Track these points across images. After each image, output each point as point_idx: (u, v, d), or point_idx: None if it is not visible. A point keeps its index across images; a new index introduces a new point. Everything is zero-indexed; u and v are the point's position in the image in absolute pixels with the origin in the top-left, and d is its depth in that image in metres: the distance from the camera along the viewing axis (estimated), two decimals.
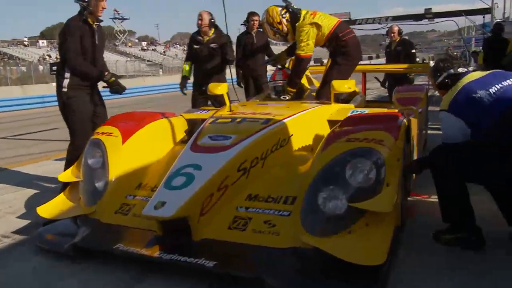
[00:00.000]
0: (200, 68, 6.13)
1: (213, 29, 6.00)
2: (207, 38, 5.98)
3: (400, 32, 8.56)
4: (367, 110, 3.91)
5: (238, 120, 3.53)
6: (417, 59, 9.96)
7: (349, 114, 3.88)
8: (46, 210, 3.36)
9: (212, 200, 2.79)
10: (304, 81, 5.26)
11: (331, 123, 3.86)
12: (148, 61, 57.66)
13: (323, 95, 4.53)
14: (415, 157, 3.88)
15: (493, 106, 2.76)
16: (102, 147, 3.48)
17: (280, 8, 4.64)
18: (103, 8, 4.36)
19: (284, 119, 3.51)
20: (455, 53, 24.54)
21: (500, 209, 2.94)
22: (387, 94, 8.82)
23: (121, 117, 3.94)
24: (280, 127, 3.41)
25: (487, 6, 15.75)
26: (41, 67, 40.87)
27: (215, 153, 3.04)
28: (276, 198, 2.87)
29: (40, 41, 62.35)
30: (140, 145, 3.58)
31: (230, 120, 3.57)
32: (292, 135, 3.46)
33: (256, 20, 7.34)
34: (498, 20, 14.45)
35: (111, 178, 3.31)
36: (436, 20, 15.95)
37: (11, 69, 39.84)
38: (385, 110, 4.00)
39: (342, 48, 4.64)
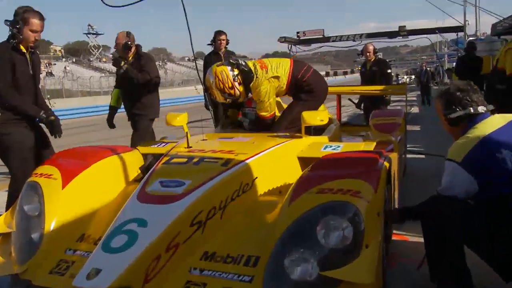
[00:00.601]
0: (126, 95, 5.61)
1: (133, 50, 5.44)
2: (128, 60, 5.40)
3: (375, 51, 8.29)
4: (341, 146, 3.51)
5: (195, 160, 3.08)
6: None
7: (321, 149, 3.50)
8: None
9: (159, 263, 2.33)
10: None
11: (302, 160, 3.46)
12: None
13: (281, 128, 4.14)
14: (396, 195, 3.51)
15: None
16: (39, 192, 3.00)
17: (229, 68, 4.10)
18: (36, 39, 3.95)
19: (248, 158, 3.08)
20: (428, 68, 24.66)
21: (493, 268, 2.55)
22: (362, 112, 8.60)
23: (64, 154, 3.46)
24: (242, 169, 2.97)
25: (460, 24, 15.79)
26: None
27: (164, 204, 2.58)
28: (236, 257, 2.43)
29: None
30: (85, 189, 3.11)
31: (186, 160, 3.11)
32: (256, 177, 3.03)
33: (223, 40, 7.00)
34: (471, 39, 14.41)
35: (48, 230, 2.82)
36: (410, 37, 15.86)
37: None
38: (361, 145, 3.60)
39: (305, 87, 4.26)
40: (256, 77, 4.11)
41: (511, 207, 2.37)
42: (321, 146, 3.55)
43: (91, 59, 69.81)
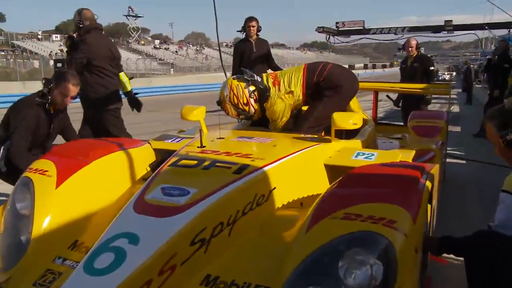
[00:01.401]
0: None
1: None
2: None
3: (418, 47, 7.69)
4: (375, 154, 3.06)
5: (206, 163, 2.68)
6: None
7: (352, 157, 3.07)
8: None
9: None
10: None
11: (329, 168, 3.04)
12: (160, 59, 57.21)
13: (304, 128, 3.74)
14: (434, 216, 3.04)
15: None
16: (31, 189, 2.69)
17: (245, 84, 3.74)
18: (64, 103, 3.84)
19: (266, 165, 2.66)
20: (472, 65, 23.60)
21: None
22: (399, 109, 8.09)
23: (64, 148, 3.16)
24: (258, 178, 2.56)
25: None
26: (52, 62, 40.51)
27: (162, 217, 2.20)
28: (242, 286, 2.04)
29: (54, 35, 62.13)
30: (82, 188, 2.78)
31: (196, 162, 2.72)
32: (275, 188, 2.61)
33: (254, 26, 6.57)
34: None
35: (36, 234, 2.50)
36: (456, 32, 15.01)
37: (23, 62, 39.59)
38: (398, 154, 3.12)
39: (325, 85, 3.81)
40: (269, 95, 3.78)
41: None
42: (352, 153, 3.10)
43: (129, 41, 70.32)
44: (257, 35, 6.76)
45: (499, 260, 1.97)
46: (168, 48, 69.70)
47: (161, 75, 45.18)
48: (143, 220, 2.20)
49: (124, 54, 55.27)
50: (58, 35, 62.27)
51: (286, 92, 3.79)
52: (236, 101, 3.76)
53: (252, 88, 3.74)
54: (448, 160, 6.22)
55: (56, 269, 2.38)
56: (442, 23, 13.94)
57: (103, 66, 4.84)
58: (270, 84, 3.81)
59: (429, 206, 2.40)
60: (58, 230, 2.56)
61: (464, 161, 7.30)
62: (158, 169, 2.76)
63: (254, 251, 2.27)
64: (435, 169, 2.56)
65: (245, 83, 3.75)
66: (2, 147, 3.67)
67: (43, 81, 3.81)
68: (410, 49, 7.55)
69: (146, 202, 2.34)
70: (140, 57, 54.32)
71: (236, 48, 6.88)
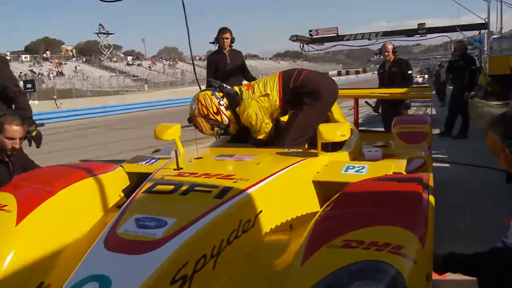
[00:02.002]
0: None
1: None
2: None
3: (394, 51, 7.67)
4: (366, 167, 2.85)
5: (184, 188, 2.42)
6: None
7: (342, 171, 2.85)
8: None
9: None
10: None
11: (318, 184, 2.82)
12: (134, 76, 56.70)
13: (286, 142, 3.53)
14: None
15: None
16: None
17: (211, 92, 3.56)
18: (14, 147, 3.46)
19: (250, 186, 2.42)
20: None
21: None
22: (376, 114, 8.04)
23: (26, 177, 2.85)
24: (242, 201, 2.31)
25: (483, 22, 14.97)
26: (21, 83, 39.73)
27: (137, 254, 1.93)
28: None
29: (23, 56, 61.12)
30: (46, 224, 2.48)
31: (172, 187, 2.46)
32: (261, 211, 2.37)
33: (227, 38, 6.39)
34: (495, 37, 13.68)
35: None
36: (429, 35, 15.13)
37: None
38: (391, 166, 2.91)
39: (303, 91, 3.61)
40: (242, 99, 3.56)
41: None
42: (341, 167, 2.88)
43: (102, 58, 69.58)
44: (231, 46, 6.57)
45: None
46: (141, 64, 69.13)
47: (135, 91, 44.71)
48: (116, 258, 1.93)
49: (97, 72, 54.99)
50: (28, 55, 61.28)
51: (261, 95, 3.59)
52: (205, 111, 3.53)
53: (219, 94, 3.55)
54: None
55: None
56: (414, 27, 14.07)
57: None
58: (244, 90, 3.62)
59: None
60: (21, 272, 2.27)
61: (448, 164, 7.19)
62: (131, 197, 2.49)
63: (242, 284, 2.03)
64: (431, 180, 2.37)
65: (211, 91, 3.55)
66: None
67: None
68: (386, 53, 7.57)
69: (118, 237, 2.07)
70: (113, 74, 53.65)
71: (210, 61, 6.69)
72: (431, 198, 2.02)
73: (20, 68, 52.15)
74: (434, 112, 17.81)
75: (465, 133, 9.75)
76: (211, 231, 2.11)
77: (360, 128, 6.08)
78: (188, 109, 3.66)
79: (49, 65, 56.70)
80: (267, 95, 3.58)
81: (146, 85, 50.52)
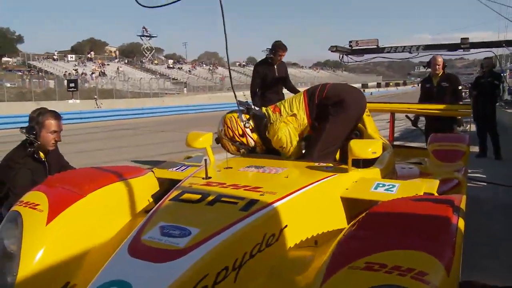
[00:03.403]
0: None
1: None
2: None
3: (444, 65, 7.29)
4: (397, 186, 2.79)
5: (210, 198, 2.44)
6: None
7: (371, 189, 2.80)
8: None
9: None
10: None
11: (346, 201, 2.77)
12: (173, 79, 57.60)
13: (314, 154, 3.48)
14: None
15: None
16: (20, 226, 2.46)
17: (237, 114, 3.57)
18: (55, 141, 3.63)
19: (277, 200, 2.40)
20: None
21: None
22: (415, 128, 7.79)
23: (59, 178, 2.92)
24: (268, 215, 2.30)
25: None
26: (66, 82, 40.95)
27: (160, 262, 1.95)
28: None
29: (69, 55, 63.00)
30: (75, 225, 2.54)
31: (199, 196, 2.47)
32: (286, 226, 2.35)
33: (282, 56, 6.66)
34: None
35: (23, 275, 2.27)
36: (472, 50, 14.74)
37: (38, 82, 40.07)
38: (422, 186, 2.84)
39: (329, 102, 3.58)
40: (271, 123, 3.55)
41: None
42: (371, 185, 2.83)
43: (143, 61, 71.00)
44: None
45: None
46: (182, 68, 70.20)
47: (174, 94, 45.41)
48: (138, 265, 1.95)
49: (138, 73, 56.16)
50: (73, 55, 63.11)
51: (289, 115, 3.57)
52: (231, 134, 3.55)
53: (245, 117, 3.55)
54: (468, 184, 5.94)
55: None
56: (456, 41, 13.73)
57: None
58: (270, 113, 3.61)
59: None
60: (48, 271, 2.33)
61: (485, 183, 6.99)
62: (158, 204, 2.52)
63: None
64: (463, 202, 2.29)
65: (237, 114, 3.56)
66: (2, 208, 3.45)
67: (23, 131, 3.57)
68: (437, 67, 7.18)
69: (142, 244, 2.09)
70: (154, 76, 54.66)
71: (258, 71, 6.82)
72: (461, 222, 1.96)
73: (65, 67, 53.92)
74: (473, 128, 17.41)
75: (498, 154, 9.45)
76: (235, 243, 2.10)
77: (395, 143, 5.97)
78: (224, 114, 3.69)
79: (93, 65, 58.24)
80: (294, 115, 3.56)
81: (185, 88, 51.24)
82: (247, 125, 3.52)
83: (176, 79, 57.88)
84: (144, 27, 77.65)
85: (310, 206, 2.57)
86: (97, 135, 16.09)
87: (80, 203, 2.63)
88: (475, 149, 10.05)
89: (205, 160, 2.94)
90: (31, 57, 58.30)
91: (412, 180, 3.24)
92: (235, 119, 3.54)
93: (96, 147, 12.59)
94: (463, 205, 2.24)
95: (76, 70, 52.04)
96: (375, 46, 14.50)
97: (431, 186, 2.89)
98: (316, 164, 3.19)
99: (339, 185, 2.84)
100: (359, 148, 2.91)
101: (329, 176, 2.85)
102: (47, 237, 2.42)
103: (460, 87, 7.28)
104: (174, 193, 2.59)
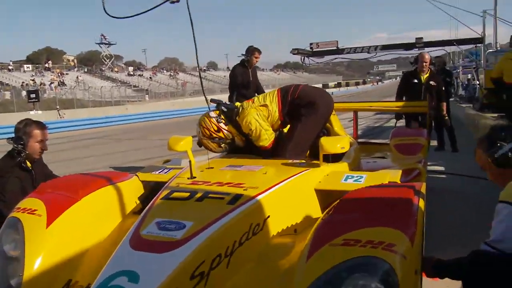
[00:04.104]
0: None
1: None
2: None
3: (431, 62, 7.43)
4: (364, 176, 3.10)
5: (199, 195, 2.68)
6: None
7: (342, 180, 3.10)
8: None
9: None
10: None
11: (320, 193, 3.06)
12: (135, 86, 57.06)
13: (286, 154, 3.76)
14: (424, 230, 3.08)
15: None
16: (21, 231, 2.64)
17: (211, 113, 3.88)
18: (42, 150, 3.80)
19: (259, 194, 2.67)
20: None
21: None
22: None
23: (51, 185, 3.10)
24: (252, 207, 2.56)
25: (478, 36, 15.29)
26: (24, 93, 40.01)
27: (161, 252, 2.18)
28: None
29: (25, 65, 61.45)
30: (73, 227, 2.73)
31: (188, 194, 2.72)
32: (268, 216, 2.62)
33: (257, 58, 7.15)
34: (490, 50, 13.98)
35: (28, 275, 2.45)
36: (426, 48, 15.42)
37: None
38: (387, 176, 3.17)
39: (301, 103, 3.90)
40: (242, 108, 3.86)
41: None
42: (341, 177, 3.14)
43: (103, 69, 70.02)
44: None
45: (502, 281, 1.99)
46: (142, 75, 69.59)
47: (136, 102, 45.06)
48: (141, 256, 2.18)
49: (98, 82, 55.37)
50: (30, 65, 61.60)
51: (260, 104, 3.87)
52: (208, 132, 3.85)
53: (215, 113, 3.86)
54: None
55: None
56: (413, 40, 14.38)
57: None
58: (244, 103, 3.93)
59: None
60: (51, 271, 2.52)
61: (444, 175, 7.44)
62: (151, 202, 2.74)
63: (253, 281, 2.27)
64: (423, 187, 2.61)
65: (207, 113, 3.86)
66: None
67: (11, 141, 3.70)
68: (424, 64, 7.18)
69: (142, 238, 2.32)
70: (115, 84, 54.05)
71: (237, 73, 7.25)
72: (422, 203, 2.27)
73: (22, 77, 52.55)
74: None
75: (454, 147, 9.92)
76: (225, 233, 2.35)
77: (359, 140, 6.34)
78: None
79: (51, 75, 57.05)
80: (265, 105, 3.87)
81: (147, 95, 50.91)
82: (219, 120, 3.81)
83: (137, 86, 57.37)
84: (102, 35, 76.59)
85: (288, 198, 2.85)
86: (64, 145, 15.93)
87: (76, 206, 2.82)
88: (434, 143, 10.60)
89: (189, 161, 3.18)
90: None
91: (378, 171, 3.57)
92: (208, 118, 3.84)
93: (66, 157, 12.52)
94: (423, 190, 2.56)
95: (33, 80, 50.92)
96: (335, 48, 15.04)
97: (394, 175, 3.21)
98: (290, 161, 3.48)
99: (313, 178, 3.14)
100: (329, 144, 3.22)
101: (303, 171, 3.15)
102: (48, 240, 2.61)
103: (448, 86, 7.54)
104: (164, 193, 2.82)
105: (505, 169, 2.26)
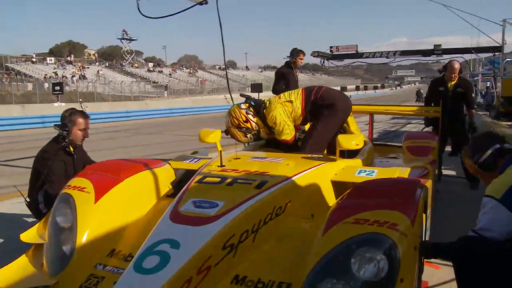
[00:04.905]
0: None
1: None
2: None
3: (461, 70, 7.21)
4: (376, 171, 3.45)
5: (229, 180, 3.07)
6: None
7: (355, 174, 3.45)
8: (2, 277, 2.89)
9: (190, 286, 2.30)
10: None
11: (335, 184, 3.42)
12: (154, 82, 57.66)
13: (306, 149, 4.15)
14: (428, 224, 3.43)
15: None
16: (72, 204, 3.04)
17: (237, 105, 4.30)
18: (84, 137, 4.26)
19: (282, 181, 3.05)
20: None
21: None
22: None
23: (97, 167, 3.52)
24: (276, 192, 2.95)
25: (497, 44, 15.46)
26: (46, 85, 40.86)
27: (197, 225, 2.57)
28: (267, 283, 2.39)
29: (48, 58, 62.45)
30: (116, 204, 3.14)
31: (219, 179, 3.11)
32: (290, 201, 2.99)
33: (302, 60, 7.55)
34: (509, 59, 14.14)
35: (79, 243, 2.85)
36: (445, 56, 15.64)
37: (17, 85, 39.91)
38: (396, 171, 3.52)
39: (322, 103, 4.29)
40: (269, 103, 4.23)
41: None
42: (355, 171, 3.49)
43: (123, 64, 70.89)
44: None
45: (479, 264, 2.34)
46: (162, 71, 70.36)
47: (155, 97, 45.66)
48: (181, 228, 2.56)
49: (119, 77, 56.08)
50: (52, 58, 62.59)
51: (286, 100, 4.26)
52: (236, 122, 4.25)
53: (245, 106, 4.26)
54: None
55: (99, 274, 2.73)
56: (432, 46, 14.63)
57: None
58: (271, 98, 4.33)
59: (424, 214, 2.78)
60: (98, 240, 2.91)
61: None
62: (186, 185, 3.12)
63: (275, 255, 2.64)
64: (428, 183, 2.96)
65: (238, 104, 4.26)
66: (39, 194, 4.05)
67: (57, 127, 4.16)
68: (453, 74, 7.02)
69: (180, 213, 2.70)
70: (135, 80, 54.77)
71: (283, 73, 7.53)
72: (424, 195, 2.62)
73: (45, 70, 53.53)
74: None
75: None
76: (252, 213, 2.73)
77: (374, 143, 6.67)
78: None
79: (72, 68, 57.98)
80: (290, 101, 4.28)
81: (166, 91, 51.53)
82: (248, 111, 4.21)
83: (157, 83, 58.05)
84: (124, 30, 77.55)
85: (307, 187, 3.22)
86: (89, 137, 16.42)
87: (119, 186, 3.23)
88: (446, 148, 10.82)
89: (220, 151, 3.56)
90: (8, 60, 57.70)
91: (388, 167, 3.91)
92: (237, 109, 4.24)
93: (93, 147, 13.00)
94: (428, 185, 2.91)
95: (55, 73, 51.85)
96: (355, 52, 15.38)
97: (403, 172, 3.55)
98: (309, 155, 3.84)
99: (329, 171, 3.50)
100: (345, 141, 3.58)
101: (321, 164, 3.52)
102: (96, 213, 3.01)
103: (473, 94, 7.29)
104: (197, 178, 3.20)
105: (491, 172, 2.62)
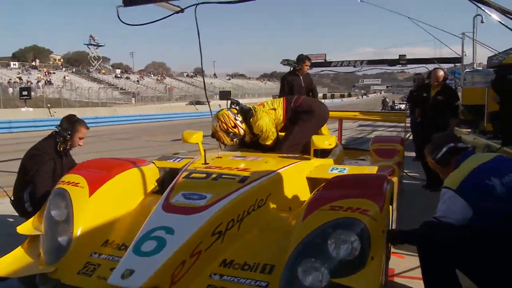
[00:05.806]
0: None
1: None
2: None
3: (446, 78, 7.27)
4: (347, 169, 3.79)
5: (214, 176, 3.35)
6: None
7: (328, 171, 3.78)
8: (1, 266, 3.08)
9: (184, 268, 2.58)
10: None
11: (310, 180, 3.74)
12: (121, 89, 57.17)
13: (283, 150, 4.46)
14: (394, 216, 3.78)
15: (509, 197, 2.64)
16: (68, 199, 3.25)
17: (229, 110, 4.54)
18: (79, 144, 4.48)
19: (262, 177, 3.36)
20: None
21: None
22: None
23: (88, 165, 3.73)
24: (257, 187, 3.24)
25: (457, 56, 16.26)
26: (11, 90, 40.10)
27: (189, 214, 2.84)
28: (252, 265, 2.68)
29: (12, 63, 61.07)
30: (108, 198, 3.37)
31: (205, 175, 3.38)
32: (270, 194, 3.30)
33: (307, 66, 7.54)
34: (468, 70, 14.87)
35: (76, 234, 3.08)
36: (409, 66, 16.30)
37: None
38: (365, 169, 3.87)
39: (302, 110, 4.65)
40: (255, 111, 4.51)
41: (501, 231, 2.63)
42: (328, 168, 3.82)
43: (90, 70, 69.98)
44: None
45: (439, 246, 2.68)
46: (129, 78, 69.81)
47: (123, 104, 45.36)
48: (174, 217, 2.83)
49: (85, 83, 55.34)
50: (16, 63, 61.24)
51: (270, 108, 4.59)
52: (225, 126, 4.48)
53: (234, 111, 4.51)
54: (404, 180, 7.04)
55: (94, 261, 2.97)
56: (397, 56, 15.29)
57: None
58: (256, 106, 4.62)
59: (390, 206, 3.13)
60: (93, 232, 3.15)
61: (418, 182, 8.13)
62: (174, 181, 3.37)
63: (258, 242, 2.93)
64: (394, 179, 3.32)
65: (228, 110, 4.51)
66: (25, 192, 4.22)
67: (59, 128, 4.38)
68: (436, 83, 7.02)
69: (172, 204, 2.97)
70: (102, 86, 54.20)
71: (287, 80, 7.59)
72: (390, 187, 2.97)
73: (8, 74, 52.32)
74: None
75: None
76: (237, 204, 3.02)
77: (344, 146, 7.05)
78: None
79: (38, 74, 56.87)
80: (274, 109, 4.61)
81: (134, 98, 51.24)
82: (237, 117, 4.46)
83: (124, 89, 57.63)
84: (91, 36, 76.66)
85: (285, 182, 3.54)
86: None
87: (111, 182, 3.46)
88: (411, 154, 11.33)
89: (204, 150, 3.84)
90: None
91: (358, 166, 4.27)
92: (227, 114, 4.48)
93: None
94: (394, 181, 3.26)
95: (20, 77, 50.82)
96: (323, 60, 15.90)
97: (371, 169, 3.91)
98: (286, 154, 4.16)
99: (305, 168, 3.84)
100: (319, 140, 3.92)
101: (297, 162, 3.85)
102: (91, 207, 3.24)
103: (457, 103, 7.14)
104: (184, 174, 3.47)
105: (448, 167, 2.99)
